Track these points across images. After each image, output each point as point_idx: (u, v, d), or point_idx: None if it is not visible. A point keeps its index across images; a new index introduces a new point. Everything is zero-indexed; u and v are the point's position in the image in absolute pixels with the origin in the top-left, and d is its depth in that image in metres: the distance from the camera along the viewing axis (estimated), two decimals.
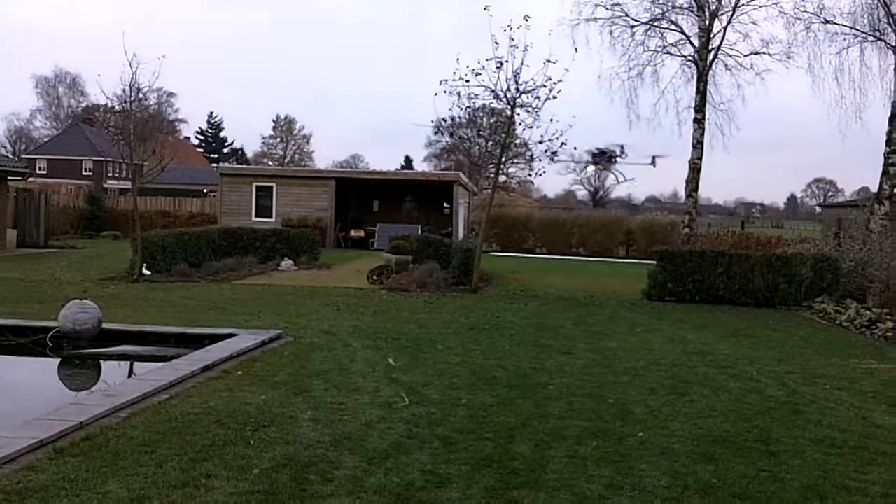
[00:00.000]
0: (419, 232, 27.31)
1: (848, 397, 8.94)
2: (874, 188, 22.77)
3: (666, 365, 10.44)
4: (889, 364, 11.34)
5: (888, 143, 21.50)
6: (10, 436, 6.10)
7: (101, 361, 10.77)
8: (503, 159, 20.47)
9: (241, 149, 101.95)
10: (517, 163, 32.52)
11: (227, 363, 9.35)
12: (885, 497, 5.73)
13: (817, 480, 6.00)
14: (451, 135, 35.68)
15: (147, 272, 18.83)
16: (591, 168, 42.43)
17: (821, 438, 7.15)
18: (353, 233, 34.79)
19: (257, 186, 35.05)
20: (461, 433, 6.87)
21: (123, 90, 19.55)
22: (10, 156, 55.18)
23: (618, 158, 38.49)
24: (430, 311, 14.97)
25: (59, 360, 10.89)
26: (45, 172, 66.86)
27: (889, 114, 21.77)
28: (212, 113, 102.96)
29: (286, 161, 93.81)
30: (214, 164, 75.35)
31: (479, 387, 8.69)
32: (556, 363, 10.26)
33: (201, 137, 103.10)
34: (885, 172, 21.53)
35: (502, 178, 35.98)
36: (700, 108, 25.21)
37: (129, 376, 9.80)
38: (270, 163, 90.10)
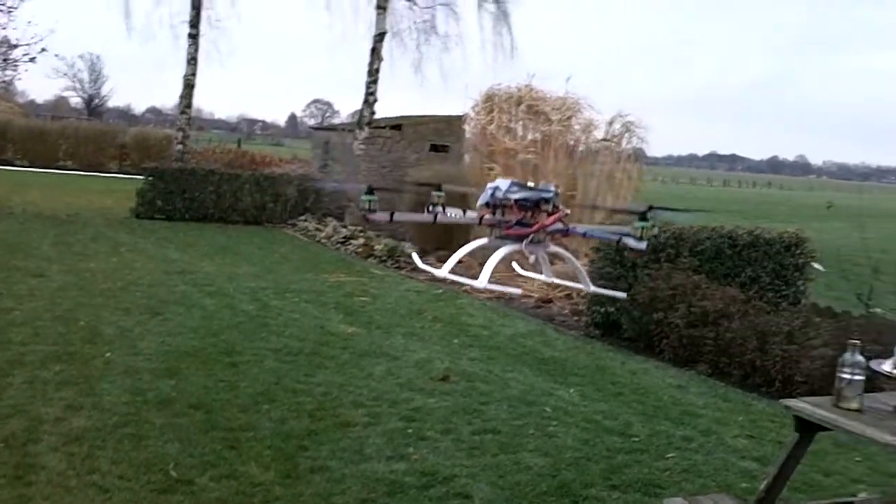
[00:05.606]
0: None
1: (312, 309, 9.87)
2: None
3: (144, 285, 10.49)
4: (355, 277, 12.68)
5: (369, 73, 23.40)
6: None
7: None
8: None
9: None
10: None
11: None
12: (325, 395, 6.53)
13: (270, 386, 6.62)
14: None
15: None
16: None
17: (280, 348, 7.85)
18: None
19: None
20: None
21: None
22: None
23: None
24: None
25: None
26: None
27: (370, 47, 23.64)
28: None
29: None
30: None
31: None
32: (25, 287, 9.73)
33: None
34: (365, 101, 23.45)
35: None
36: (195, 23, 24.87)
37: None
38: None
